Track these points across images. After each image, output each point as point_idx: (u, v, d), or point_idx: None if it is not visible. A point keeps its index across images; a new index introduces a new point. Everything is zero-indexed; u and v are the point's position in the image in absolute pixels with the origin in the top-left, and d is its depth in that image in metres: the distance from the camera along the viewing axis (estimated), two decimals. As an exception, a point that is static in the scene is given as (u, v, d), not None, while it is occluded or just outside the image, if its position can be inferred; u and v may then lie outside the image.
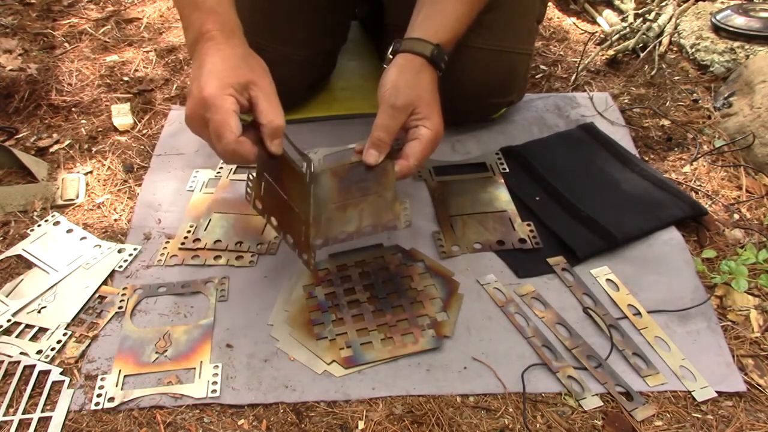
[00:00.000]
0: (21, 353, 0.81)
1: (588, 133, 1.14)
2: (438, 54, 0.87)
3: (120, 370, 0.78)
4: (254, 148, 0.77)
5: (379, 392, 0.76)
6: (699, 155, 1.11)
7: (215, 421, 0.74)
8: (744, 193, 1.04)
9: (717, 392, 0.76)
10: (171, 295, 0.88)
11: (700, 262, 0.91)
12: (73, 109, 1.24)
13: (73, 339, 0.83)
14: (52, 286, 0.89)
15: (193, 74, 0.79)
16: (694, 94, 1.27)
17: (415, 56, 0.87)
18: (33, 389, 0.77)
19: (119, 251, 0.94)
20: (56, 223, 0.99)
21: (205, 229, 0.97)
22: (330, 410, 0.75)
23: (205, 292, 0.88)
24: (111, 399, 0.75)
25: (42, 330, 0.84)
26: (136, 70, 1.34)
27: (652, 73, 1.33)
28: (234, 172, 1.07)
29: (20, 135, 1.18)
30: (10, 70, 1.31)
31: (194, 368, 0.79)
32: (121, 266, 0.92)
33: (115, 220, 1.00)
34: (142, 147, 1.14)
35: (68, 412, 0.74)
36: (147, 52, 1.40)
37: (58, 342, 0.82)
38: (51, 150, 1.14)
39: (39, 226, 0.98)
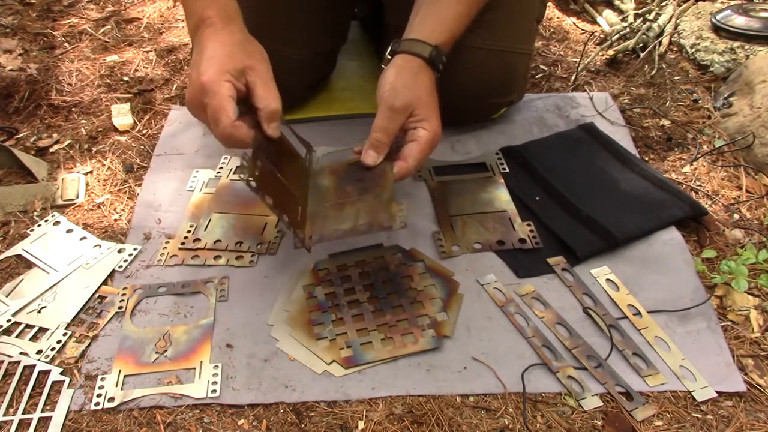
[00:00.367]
0: (21, 353, 0.81)
1: (588, 133, 1.14)
2: (436, 55, 0.88)
3: (120, 370, 0.78)
4: (250, 132, 0.78)
5: (379, 392, 0.76)
6: (699, 155, 1.11)
7: (215, 421, 0.74)
8: (744, 193, 1.04)
9: (717, 392, 0.76)
10: (171, 295, 0.88)
11: (700, 262, 0.91)
12: (73, 109, 1.24)
13: (73, 339, 0.83)
14: (52, 286, 0.89)
15: (193, 60, 0.81)
16: (694, 94, 1.27)
17: (414, 57, 0.87)
18: (33, 389, 0.77)
19: (119, 251, 0.94)
20: (56, 223, 0.99)
21: (205, 229, 0.97)
22: (330, 410, 0.75)
23: (205, 292, 0.88)
24: (111, 399, 0.75)
25: (42, 330, 0.84)
26: (136, 70, 1.34)
27: (652, 73, 1.33)
28: (234, 172, 1.07)
29: (20, 135, 1.18)
30: (10, 70, 1.31)
31: (194, 368, 0.79)
32: (121, 266, 0.92)
33: (115, 220, 1.00)
34: (142, 147, 1.14)
35: (68, 412, 0.74)
36: (147, 52, 1.40)
37: (58, 342, 0.82)
38: (51, 150, 1.14)
39: (39, 226, 0.98)
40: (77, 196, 1.04)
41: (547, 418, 0.74)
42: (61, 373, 0.78)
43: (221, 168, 1.08)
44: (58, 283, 0.90)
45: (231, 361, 0.80)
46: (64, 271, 0.91)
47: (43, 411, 0.75)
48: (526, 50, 1.10)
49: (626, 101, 1.26)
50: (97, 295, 0.88)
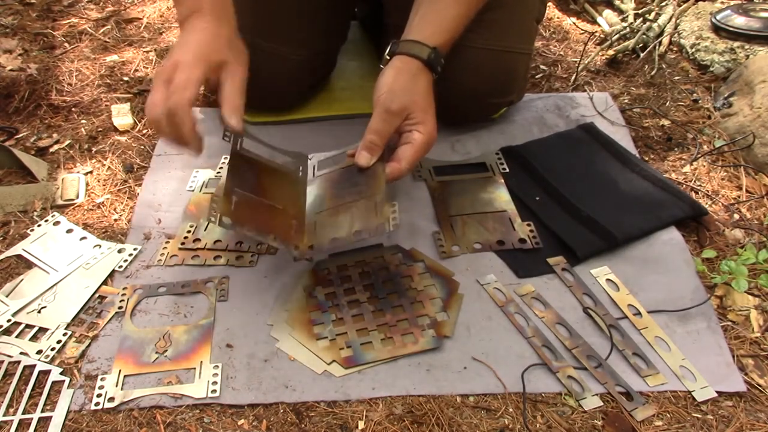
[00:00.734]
0: (21, 353, 0.81)
1: (588, 133, 1.14)
2: (435, 57, 0.87)
3: (120, 370, 0.78)
4: (193, 121, 0.77)
5: (379, 392, 0.76)
6: (699, 155, 1.11)
7: (215, 421, 0.74)
8: (744, 193, 1.04)
9: (717, 392, 0.76)
10: (171, 295, 0.88)
11: (700, 262, 0.91)
12: (73, 109, 1.24)
13: (73, 339, 0.83)
14: (52, 286, 0.89)
15: (176, 43, 0.82)
16: (694, 94, 1.27)
17: (412, 59, 0.87)
18: (33, 389, 0.77)
19: (119, 251, 0.94)
20: (56, 223, 0.99)
21: (205, 229, 0.97)
22: (330, 410, 0.75)
23: (205, 292, 0.88)
24: (111, 399, 0.75)
25: (42, 330, 0.84)
26: (136, 70, 1.34)
27: (652, 73, 1.33)
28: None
29: (20, 135, 1.18)
30: (10, 70, 1.31)
31: (194, 368, 0.79)
32: (121, 266, 0.92)
33: (115, 220, 1.00)
34: (142, 147, 1.14)
35: (68, 412, 0.74)
36: (147, 52, 1.40)
37: (58, 342, 0.82)
38: (51, 150, 1.14)
39: (39, 226, 0.98)
40: (77, 196, 1.04)
41: (547, 418, 0.74)
42: (61, 373, 0.78)
43: (221, 168, 1.08)
44: (58, 283, 0.90)
45: (231, 361, 0.80)
46: (64, 271, 0.91)
47: (43, 411, 0.75)
48: (526, 50, 1.10)
49: (626, 101, 1.26)
50: (97, 295, 0.88)
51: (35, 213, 1.01)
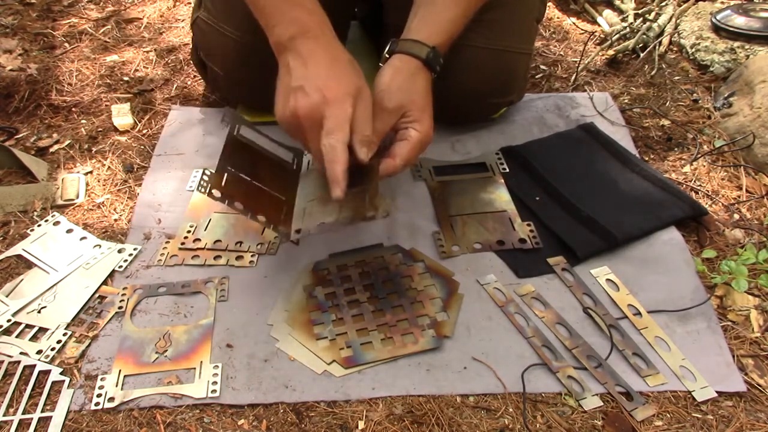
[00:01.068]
0: (21, 353, 0.81)
1: (588, 133, 1.14)
2: (434, 56, 0.87)
3: (120, 370, 0.78)
4: (345, 163, 0.77)
5: (379, 392, 0.76)
6: (699, 155, 1.11)
7: (215, 421, 0.74)
8: (744, 193, 1.04)
9: (717, 392, 0.76)
10: (171, 295, 0.88)
11: (700, 262, 0.91)
12: (73, 109, 1.24)
13: (73, 339, 0.83)
14: (52, 286, 0.89)
15: (299, 72, 0.79)
16: (694, 94, 1.27)
17: (411, 58, 0.87)
18: (33, 389, 0.77)
19: (119, 251, 0.94)
20: (56, 223, 0.99)
21: (205, 229, 0.97)
22: (330, 410, 0.75)
23: (205, 292, 0.88)
24: (111, 399, 0.75)
25: (42, 330, 0.84)
26: (136, 70, 1.34)
27: (652, 73, 1.33)
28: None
29: (20, 135, 1.18)
30: (10, 70, 1.31)
31: (194, 368, 0.79)
32: (121, 266, 0.92)
33: (115, 220, 1.00)
34: (142, 147, 1.14)
35: (68, 412, 0.74)
36: (147, 52, 1.40)
37: (58, 342, 0.82)
38: (51, 150, 1.14)
39: (39, 226, 0.98)
40: (77, 196, 1.04)
41: (547, 418, 0.74)
42: (61, 373, 0.78)
43: (221, 168, 1.08)
44: (58, 283, 0.90)
45: (231, 361, 0.80)
46: (64, 271, 0.91)
47: (43, 411, 0.75)
48: (526, 50, 1.10)
49: (626, 101, 1.26)
50: (97, 295, 0.88)
51: (35, 213, 1.01)
